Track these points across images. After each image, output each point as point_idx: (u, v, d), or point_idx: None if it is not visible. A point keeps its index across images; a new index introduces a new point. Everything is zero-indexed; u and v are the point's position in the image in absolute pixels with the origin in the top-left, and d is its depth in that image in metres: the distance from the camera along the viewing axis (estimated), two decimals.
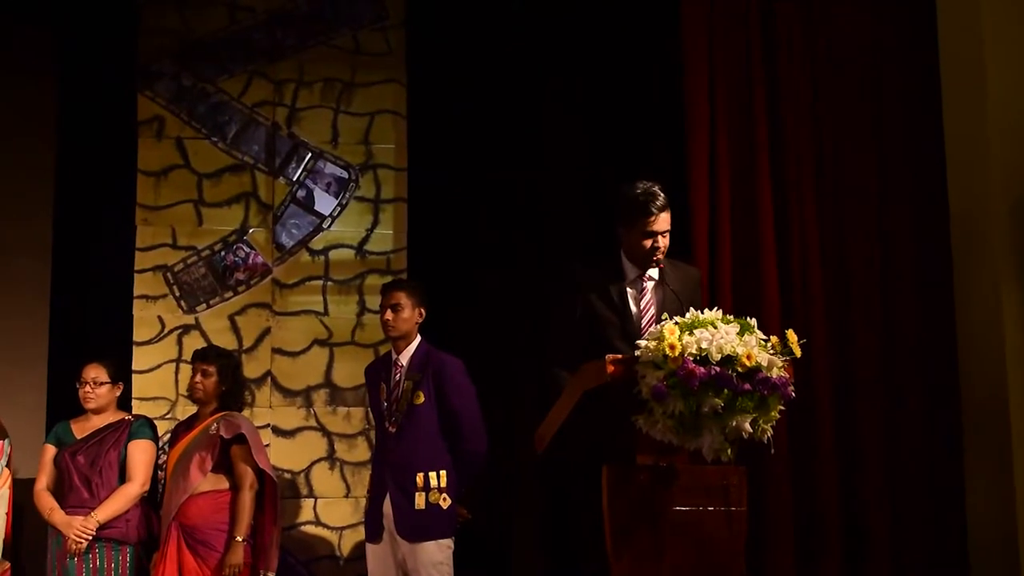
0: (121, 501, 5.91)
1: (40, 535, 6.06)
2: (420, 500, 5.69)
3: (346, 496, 6.88)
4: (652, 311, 5.35)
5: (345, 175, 7.20)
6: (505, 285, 6.94)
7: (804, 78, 6.71)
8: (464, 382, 5.85)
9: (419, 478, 5.71)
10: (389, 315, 5.89)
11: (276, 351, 7.01)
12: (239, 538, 5.89)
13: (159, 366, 6.93)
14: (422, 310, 5.94)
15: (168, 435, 6.39)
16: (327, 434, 6.96)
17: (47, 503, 5.96)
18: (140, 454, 6.02)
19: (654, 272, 5.37)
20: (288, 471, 6.85)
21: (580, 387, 4.61)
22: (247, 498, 5.95)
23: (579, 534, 5.04)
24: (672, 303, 5.21)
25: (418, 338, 5.95)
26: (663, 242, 5.34)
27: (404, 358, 5.91)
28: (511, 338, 6.88)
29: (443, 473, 5.74)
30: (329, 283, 7.10)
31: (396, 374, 5.90)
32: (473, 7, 7.15)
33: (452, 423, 5.79)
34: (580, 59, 7.09)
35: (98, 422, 6.08)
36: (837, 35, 6.77)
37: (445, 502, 5.72)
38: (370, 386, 6.10)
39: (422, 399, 5.79)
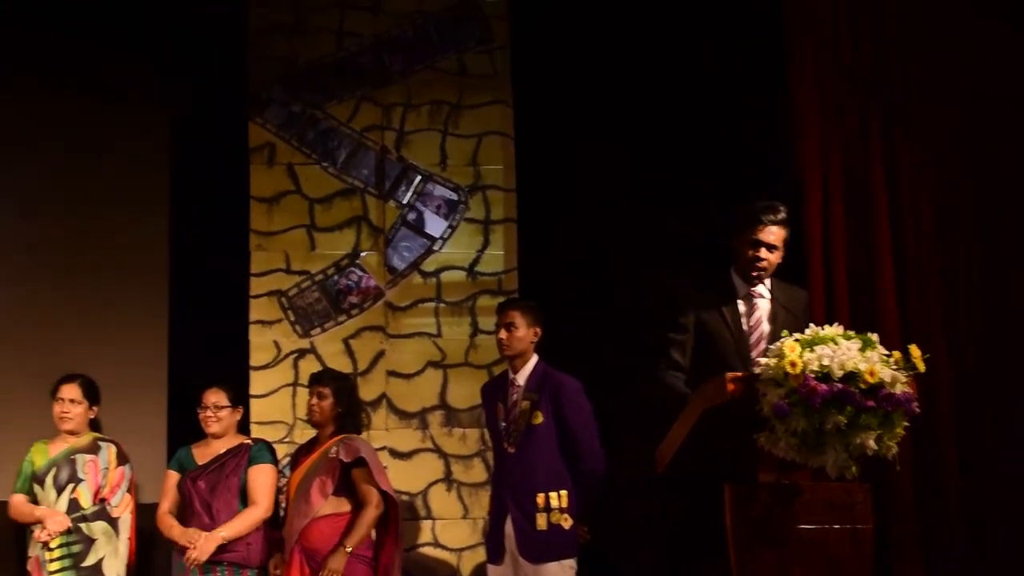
0: (247, 522, 5.95)
1: (164, 561, 6.13)
2: (542, 521, 5.65)
3: (464, 517, 6.90)
4: (763, 327, 5.32)
5: (454, 197, 7.24)
6: (619, 303, 6.92)
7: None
8: (582, 402, 5.80)
9: (540, 499, 5.67)
10: (503, 334, 5.87)
11: (390, 373, 7.06)
12: (348, 548, 5.86)
13: (276, 390, 7.02)
14: (537, 329, 5.89)
15: (287, 459, 6.44)
16: (443, 455, 6.99)
17: (167, 522, 6.02)
18: (263, 478, 6.05)
19: (763, 289, 5.35)
20: (405, 493, 6.88)
21: (700, 406, 4.59)
22: (371, 515, 5.91)
23: (702, 554, 5.00)
24: (784, 318, 5.18)
25: (535, 357, 5.90)
26: (768, 256, 5.31)
27: (521, 378, 5.87)
28: (628, 356, 6.83)
29: (564, 493, 5.69)
30: (441, 305, 7.14)
31: (513, 394, 5.86)
32: (577, 26, 7.16)
33: (570, 443, 5.75)
34: (691, 76, 7.06)
35: (219, 447, 6.12)
36: None
37: (567, 522, 5.67)
38: (487, 406, 6.07)
39: (540, 419, 5.74)
